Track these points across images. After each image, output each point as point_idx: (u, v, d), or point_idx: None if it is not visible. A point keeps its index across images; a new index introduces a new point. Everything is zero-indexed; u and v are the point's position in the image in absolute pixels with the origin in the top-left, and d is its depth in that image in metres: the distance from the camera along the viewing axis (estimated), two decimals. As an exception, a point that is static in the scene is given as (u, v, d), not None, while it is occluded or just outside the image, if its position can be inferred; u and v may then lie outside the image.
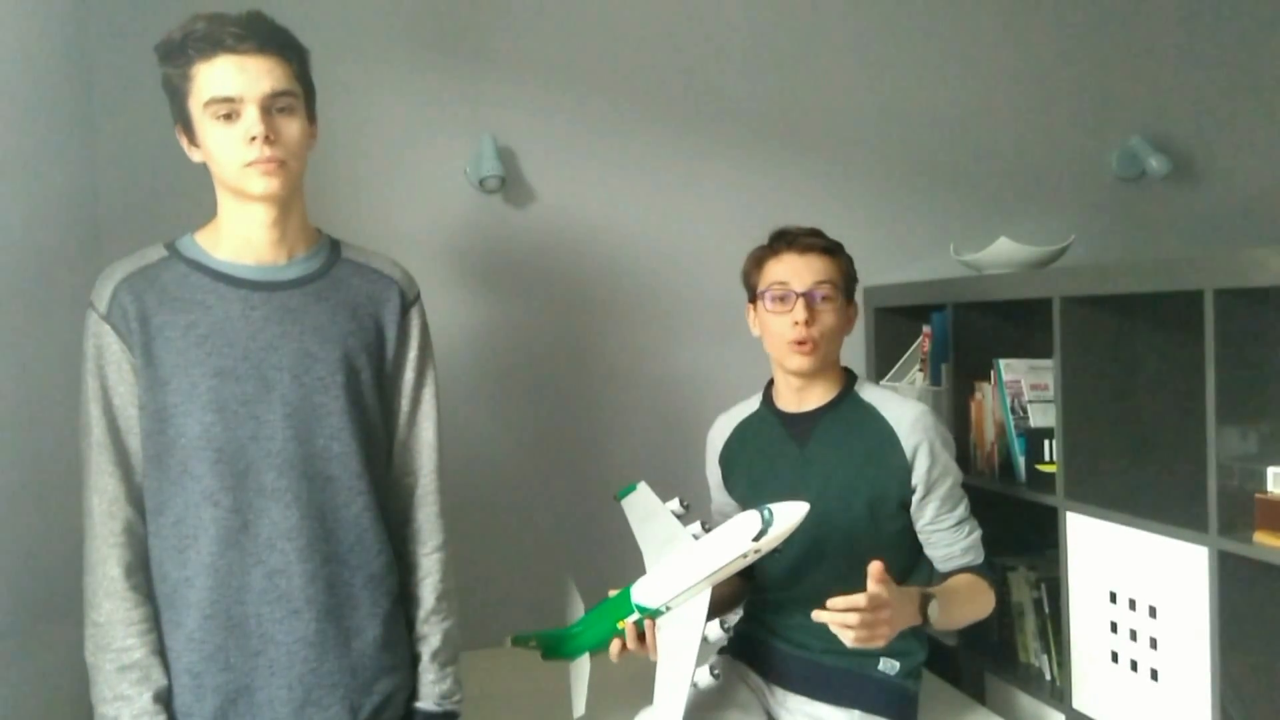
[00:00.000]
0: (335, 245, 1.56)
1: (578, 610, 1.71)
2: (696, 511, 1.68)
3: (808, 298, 1.73)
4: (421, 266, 2.32)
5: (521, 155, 2.39)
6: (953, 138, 2.69)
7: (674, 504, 1.65)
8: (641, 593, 1.57)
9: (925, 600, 1.59)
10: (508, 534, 2.40)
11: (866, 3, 2.62)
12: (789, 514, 1.49)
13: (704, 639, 1.52)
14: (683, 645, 1.51)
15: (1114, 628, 1.84)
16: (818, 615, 1.46)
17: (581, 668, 1.63)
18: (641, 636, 1.56)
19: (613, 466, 2.37)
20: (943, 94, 2.68)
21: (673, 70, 2.48)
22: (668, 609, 1.55)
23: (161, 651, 1.41)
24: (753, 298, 1.82)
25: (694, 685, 1.50)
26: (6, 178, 1.65)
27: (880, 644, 1.49)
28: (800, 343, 1.72)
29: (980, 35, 2.71)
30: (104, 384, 1.41)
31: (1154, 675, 1.76)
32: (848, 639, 1.46)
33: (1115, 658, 1.85)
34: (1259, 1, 2.90)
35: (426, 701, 1.54)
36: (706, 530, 1.59)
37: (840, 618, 1.45)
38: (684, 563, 1.55)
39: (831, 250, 1.78)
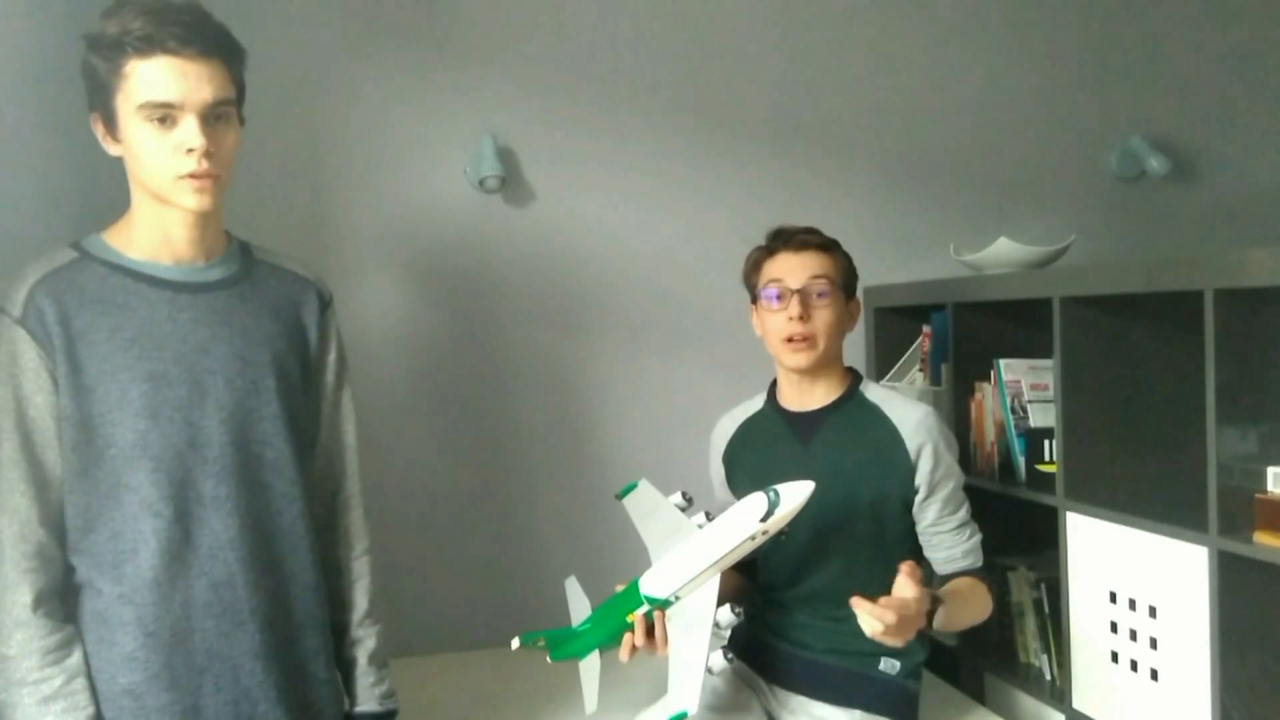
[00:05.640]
0: (246, 247, 1.52)
1: (583, 609, 1.70)
2: (699, 505, 1.68)
3: (803, 294, 1.73)
4: (422, 266, 2.35)
5: (521, 155, 2.38)
6: (953, 138, 2.69)
7: (676, 497, 1.66)
8: (649, 584, 1.56)
9: (934, 604, 1.59)
10: (507, 535, 2.40)
11: (866, 4, 2.62)
12: (795, 493, 1.47)
13: (715, 624, 1.50)
14: (694, 632, 1.50)
15: (1114, 628, 1.84)
16: (856, 603, 1.44)
17: (592, 665, 1.62)
18: (650, 631, 1.55)
19: (612, 466, 2.37)
20: (943, 94, 2.68)
21: (673, 70, 2.48)
22: (677, 598, 1.54)
23: (86, 675, 1.32)
24: (754, 298, 1.82)
25: (708, 671, 1.48)
26: (5, 177, 1.64)
27: (900, 643, 1.48)
28: (796, 339, 1.73)
29: (980, 36, 2.71)
30: (18, 394, 1.31)
31: (1154, 675, 1.76)
32: (875, 632, 1.44)
33: (1115, 658, 1.85)
34: (1259, 2, 2.90)
35: (369, 704, 1.52)
36: (711, 520, 1.59)
37: (880, 613, 1.43)
38: (691, 550, 1.54)
39: (827, 247, 1.78)
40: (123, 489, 1.33)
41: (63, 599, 1.34)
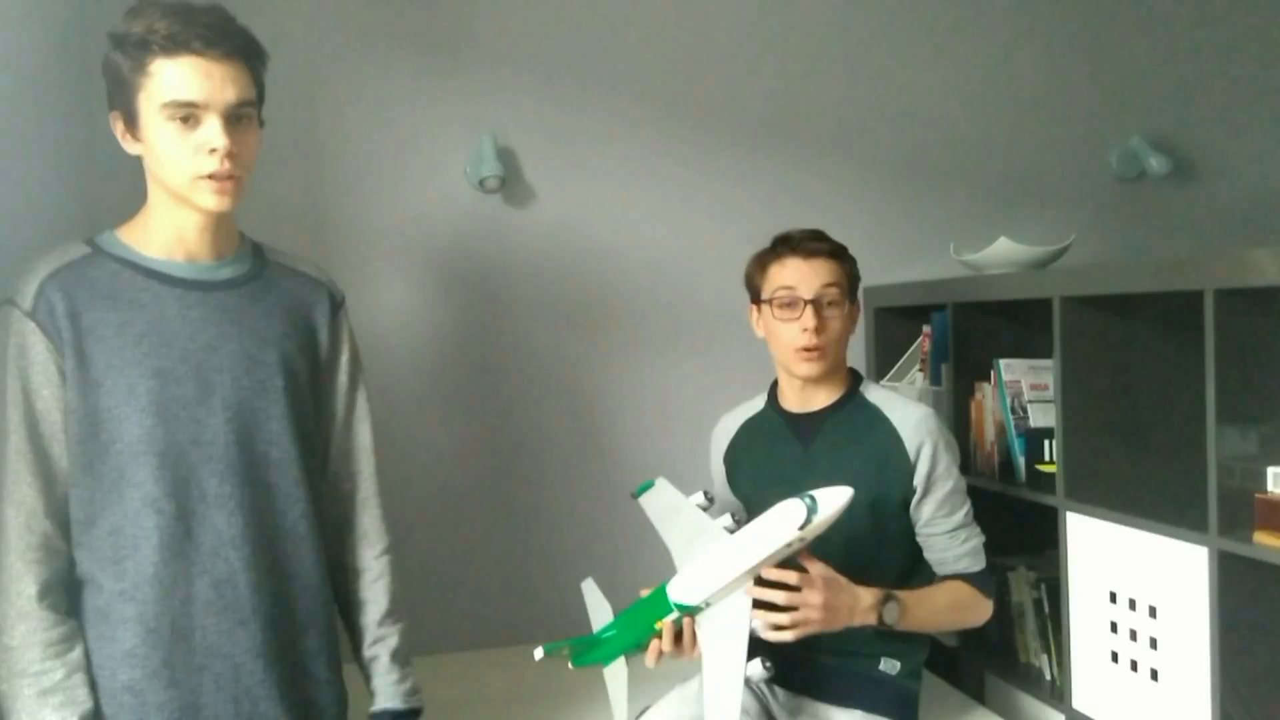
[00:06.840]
0: (259, 247, 1.52)
1: (604, 613, 1.66)
2: (720, 505, 1.66)
3: (815, 304, 1.72)
4: (421, 267, 2.35)
5: (521, 155, 2.39)
6: (953, 138, 2.69)
7: (698, 497, 1.63)
8: (679, 590, 1.52)
9: (885, 600, 1.58)
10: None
11: (867, 4, 2.62)
12: (833, 500, 1.44)
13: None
14: (728, 641, 1.45)
15: (1114, 628, 1.84)
16: (752, 592, 1.47)
17: (618, 673, 1.57)
18: (678, 636, 1.52)
19: (622, 462, 2.37)
20: (943, 94, 2.68)
21: (673, 70, 2.48)
22: (707, 605, 1.50)
23: (86, 670, 1.32)
24: (755, 299, 1.82)
25: (747, 681, 1.44)
26: (4, 177, 1.64)
27: (799, 635, 1.49)
28: (809, 349, 1.72)
29: (980, 36, 2.71)
30: (26, 386, 1.31)
31: (1154, 675, 1.76)
32: (761, 627, 1.48)
33: (1115, 658, 1.85)
34: (1259, 2, 2.90)
35: (394, 701, 1.52)
36: (737, 522, 1.56)
37: (768, 596, 1.47)
38: (724, 556, 1.49)
39: (836, 254, 1.77)
40: (126, 484, 1.33)
41: (67, 592, 1.35)
